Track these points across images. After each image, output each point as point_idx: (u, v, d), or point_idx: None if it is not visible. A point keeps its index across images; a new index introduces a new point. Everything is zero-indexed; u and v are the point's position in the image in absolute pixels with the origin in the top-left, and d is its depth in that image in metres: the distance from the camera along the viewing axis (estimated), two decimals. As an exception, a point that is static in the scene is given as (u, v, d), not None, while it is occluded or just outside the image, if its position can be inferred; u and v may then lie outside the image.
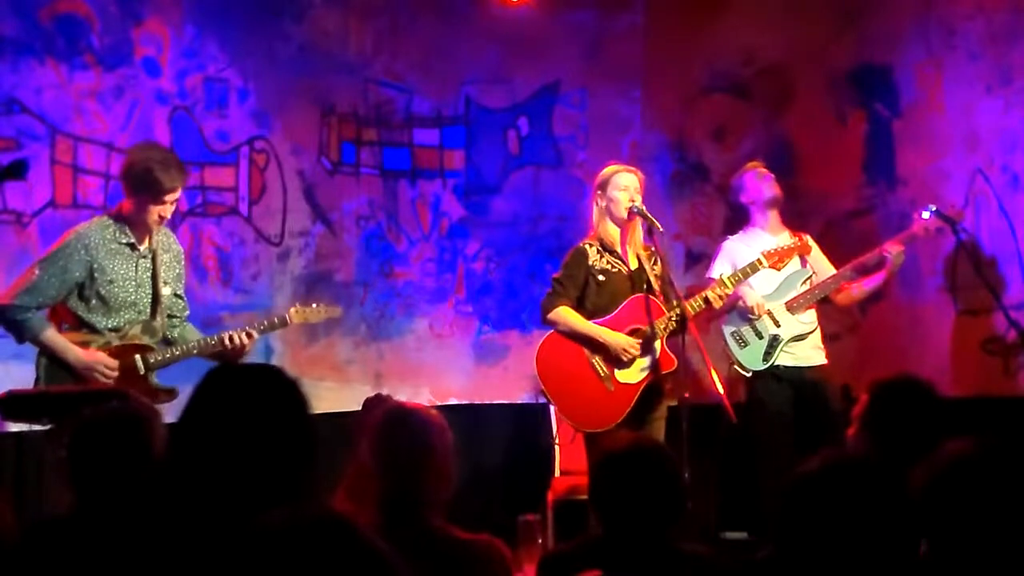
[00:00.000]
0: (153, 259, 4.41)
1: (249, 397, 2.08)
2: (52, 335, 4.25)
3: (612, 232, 4.87)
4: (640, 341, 4.73)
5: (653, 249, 4.88)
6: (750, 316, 5.20)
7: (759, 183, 5.39)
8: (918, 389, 3.14)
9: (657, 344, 4.75)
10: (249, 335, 4.45)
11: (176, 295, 4.56)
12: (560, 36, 6.38)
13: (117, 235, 4.33)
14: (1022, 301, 5.71)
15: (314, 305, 4.81)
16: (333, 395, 5.88)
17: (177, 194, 4.39)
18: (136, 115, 5.43)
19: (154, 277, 4.41)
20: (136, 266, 4.37)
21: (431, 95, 6.27)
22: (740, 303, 5.19)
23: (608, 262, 4.83)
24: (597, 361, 4.77)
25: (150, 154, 4.35)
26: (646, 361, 4.76)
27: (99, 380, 4.22)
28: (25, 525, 2.53)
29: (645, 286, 4.81)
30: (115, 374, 4.24)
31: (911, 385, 3.16)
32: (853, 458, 2.15)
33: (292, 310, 4.71)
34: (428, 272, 6.27)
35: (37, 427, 4.08)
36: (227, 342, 4.40)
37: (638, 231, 4.87)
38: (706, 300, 4.77)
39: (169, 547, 1.99)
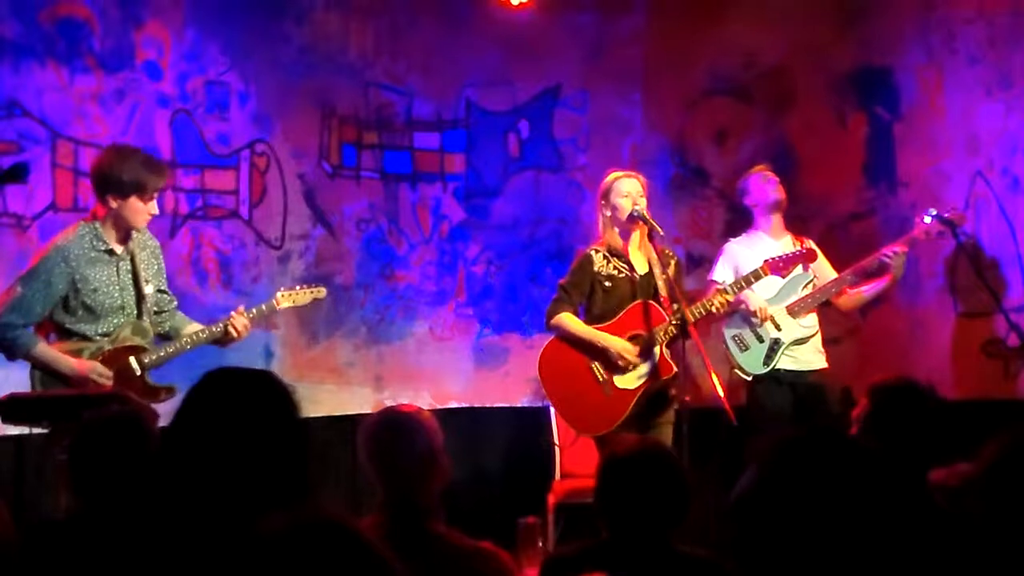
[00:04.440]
0: (132, 260, 4.41)
1: (243, 401, 2.09)
2: (43, 349, 4.24)
3: (619, 238, 4.89)
4: (639, 347, 4.74)
5: (668, 253, 4.88)
6: (753, 321, 5.19)
7: (763, 186, 5.39)
8: (917, 392, 3.15)
9: (656, 350, 4.76)
10: (242, 315, 4.49)
11: (160, 291, 4.55)
12: (561, 39, 6.38)
13: (95, 243, 4.31)
14: (1022, 304, 5.72)
15: (298, 288, 4.82)
16: (333, 398, 5.89)
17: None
18: (137, 118, 5.43)
19: (135, 278, 4.40)
20: (117, 270, 4.36)
21: (432, 98, 6.27)
22: (743, 307, 5.19)
23: (615, 267, 4.85)
24: (596, 367, 4.79)
25: (132, 156, 4.35)
26: (645, 368, 4.77)
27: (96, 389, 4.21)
28: (24, 528, 2.53)
29: (653, 291, 4.82)
30: (110, 382, 4.23)
31: (910, 388, 3.17)
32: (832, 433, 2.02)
33: (279, 294, 4.73)
34: (428, 275, 6.27)
35: (37, 430, 4.08)
36: (230, 331, 4.45)
37: (646, 235, 4.86)
38: (707, 308, 4.78)
39: (169, 551, 1.99)
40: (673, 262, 4.90)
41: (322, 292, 4.89)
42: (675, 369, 4.77)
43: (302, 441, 2.11)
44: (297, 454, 2.09)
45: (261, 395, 2.10)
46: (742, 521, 1.70)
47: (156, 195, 4.36)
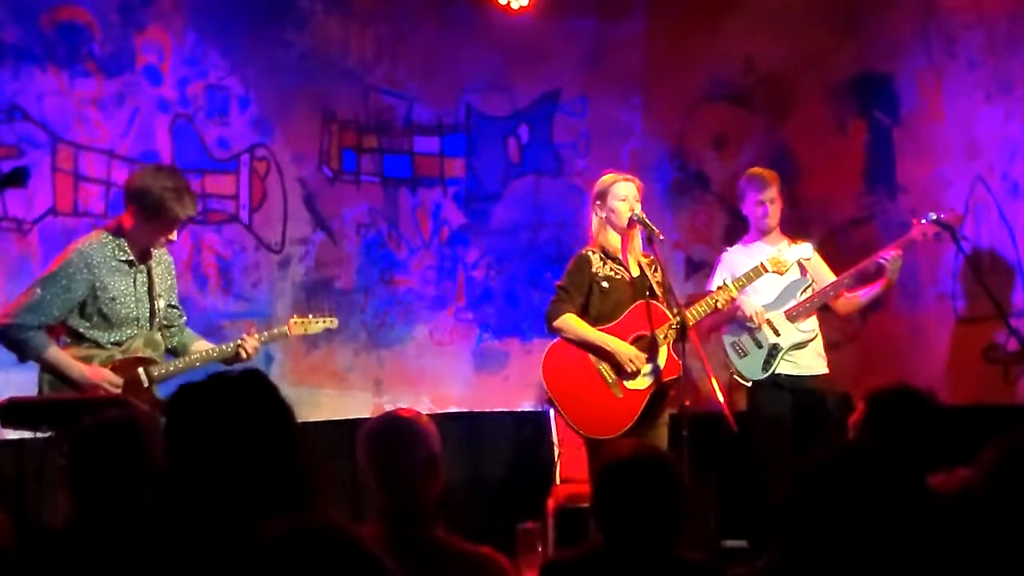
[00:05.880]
0: (149, 273, 4.42)
1: (227, 405, 2.09)
2: (55, 352, 4.25)
3: (613, 241, 4.88)
4: (646, 354, 4.73)
5: (653, 257, 4.89)
6: (749, 325, 5.20)
7: (755, 209, 5.35)
8: (914, 398, 3.15)
9: (663, 350, 4.75)
10: (254, 338, 4.51)
11: (171, 305, 4.57)
12: (560, 44, 6.39)
13: (116, 252, 4.33)
14: (1023, 309, 5.71)
15: (310, 316, 4.84)
16: (333, 402, 5.89)
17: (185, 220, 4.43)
18: (137, 123, 5.44)
19: (151, 291, 4.42)
20: (134, 281, 4.38)
21: (432, 103, 6.27)
22: (739, 313, 5.19)
23: (611, 269, 4.84)
24: (604, 368, 4.76)
25: (164, 182, 4.31)
26: (652, 367, 4.76)
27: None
28: (24, 534, 2.53)
29: (647, 292, 4.82)
30: (119, 391, 4.24)
31: (907, 394, 3.16)
32: (857, 449, 2.14)
33: (291, 321, 4.77)
34: (428, 280, 6.27)
35: (37, 435, 4.08)
36: (241, 352, 4.47)
37: (637, 239, 4.88)
38: (712, 305, 4.78)
39: (168, 557, 1.99)
40: (660, 267, 4.90)
41: (334, 323, 4.94)
42: (681, 367, 4.76)
43: (293, 440, 2.11)
44: (289, 453, 2.09)
45: (245, 397, 2.11)
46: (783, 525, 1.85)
47: (179, 226, 4.39)
